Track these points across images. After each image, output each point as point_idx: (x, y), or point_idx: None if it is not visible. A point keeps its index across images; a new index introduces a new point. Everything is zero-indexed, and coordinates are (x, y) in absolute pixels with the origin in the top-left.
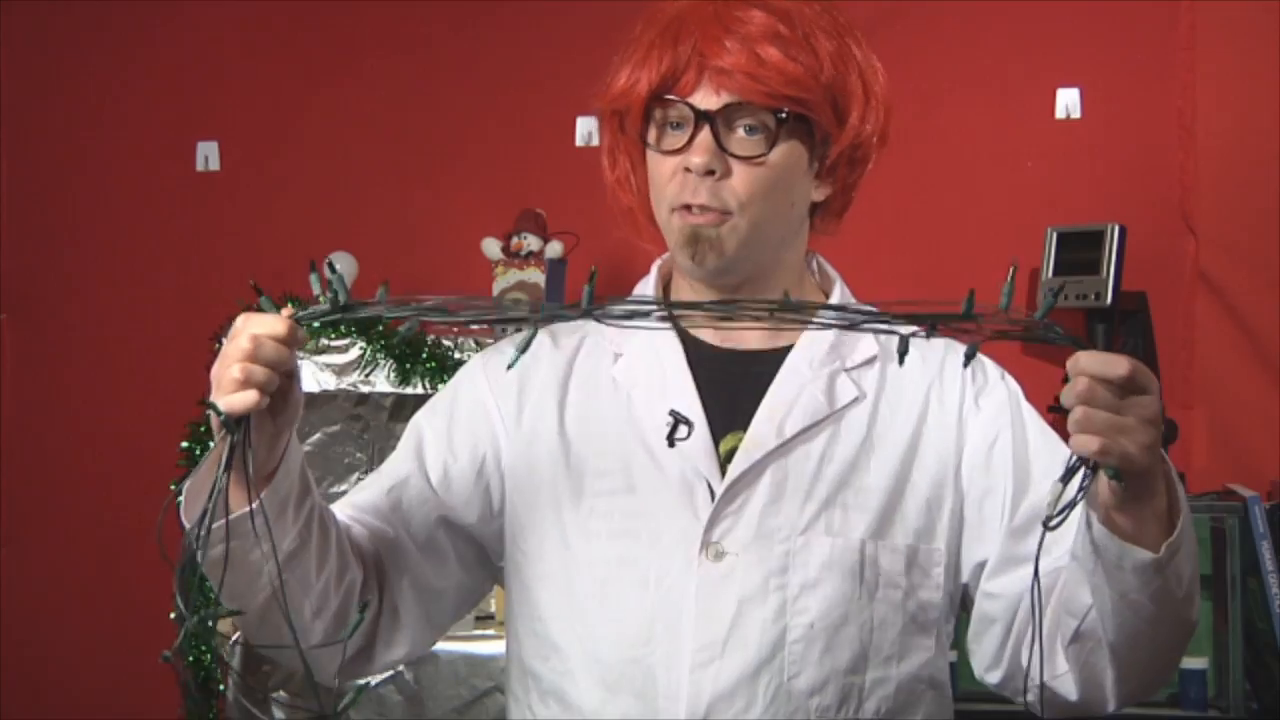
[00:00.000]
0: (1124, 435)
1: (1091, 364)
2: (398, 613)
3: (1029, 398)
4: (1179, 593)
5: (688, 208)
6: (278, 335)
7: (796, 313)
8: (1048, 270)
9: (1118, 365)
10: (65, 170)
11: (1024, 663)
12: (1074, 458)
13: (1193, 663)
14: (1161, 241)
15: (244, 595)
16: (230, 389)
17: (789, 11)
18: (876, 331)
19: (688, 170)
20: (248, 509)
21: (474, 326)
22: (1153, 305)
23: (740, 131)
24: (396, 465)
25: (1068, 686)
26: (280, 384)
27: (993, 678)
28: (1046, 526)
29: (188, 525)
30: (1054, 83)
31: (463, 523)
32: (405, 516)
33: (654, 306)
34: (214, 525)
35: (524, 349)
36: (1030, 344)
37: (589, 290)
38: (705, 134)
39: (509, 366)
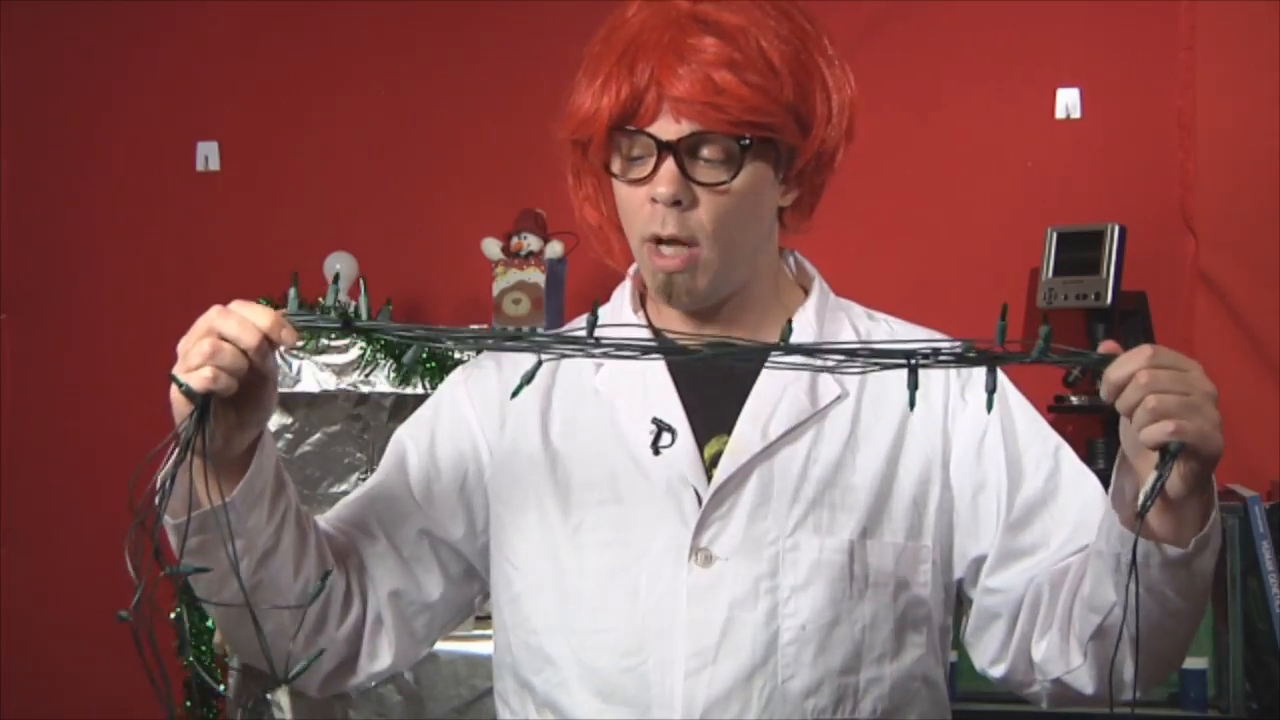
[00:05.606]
0: (1197, 414)
1: (1137, 358)
2: (381, 623)
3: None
4: (1202, 585)
5: (656, 243)
6: (262, 326)
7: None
8: (1048, 270)
9: (1163, 352)
10: (65, 170)
11: (1032, 655)
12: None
13: (1193, 663)
14: (1161, 241)
15: (217, 594)
16: (196, 363)
17: (744, 30)
18: (888, 364)
19: (654, 201)
20: (212, 505)
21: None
22: (1153, 305)
23: (705, 156)
24: (380, 479)
25: (1083, 680)
26: (252, 381)
27: (997, 671)
28: (1140, 516)
29: (165, 516)
30: (1054, 83)
31: (446, 537)
32: (389, 528)
33: (650, 339)
34: (185, 519)
35: (530, 379)
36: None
37: (591, 320)
38: (669, 164)
39: (513, 395)
